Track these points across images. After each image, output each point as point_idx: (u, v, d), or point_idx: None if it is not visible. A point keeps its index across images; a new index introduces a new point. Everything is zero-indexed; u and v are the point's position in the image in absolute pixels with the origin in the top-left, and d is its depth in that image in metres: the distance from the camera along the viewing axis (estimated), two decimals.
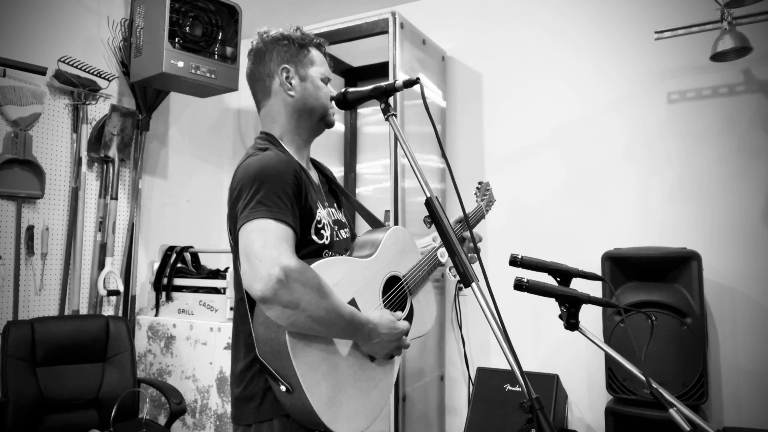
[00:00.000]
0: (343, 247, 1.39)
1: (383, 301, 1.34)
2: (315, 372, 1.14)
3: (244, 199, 1.17)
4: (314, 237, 1.29)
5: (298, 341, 1.12)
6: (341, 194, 1.55)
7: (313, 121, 1.40)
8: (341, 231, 1.41)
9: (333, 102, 1.40)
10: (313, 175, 1.44)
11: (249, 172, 1.21)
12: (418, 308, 1.44)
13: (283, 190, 1.19)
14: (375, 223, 1.57)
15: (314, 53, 1.42)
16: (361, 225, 1.63)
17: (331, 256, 1.30)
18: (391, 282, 1.39)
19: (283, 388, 1.13)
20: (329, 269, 1.19)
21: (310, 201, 1.29)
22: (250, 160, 1.26)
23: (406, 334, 1.31)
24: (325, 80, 1.41)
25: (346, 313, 1.17)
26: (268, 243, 1.10)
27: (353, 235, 1.51)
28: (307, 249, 1.25)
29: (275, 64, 1.37)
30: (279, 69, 1.37)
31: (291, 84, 1.37)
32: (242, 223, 1.14)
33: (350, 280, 1.25)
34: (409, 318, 1.41)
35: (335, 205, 1.48)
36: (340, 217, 1.45)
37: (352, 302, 1.24)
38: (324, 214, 1.34)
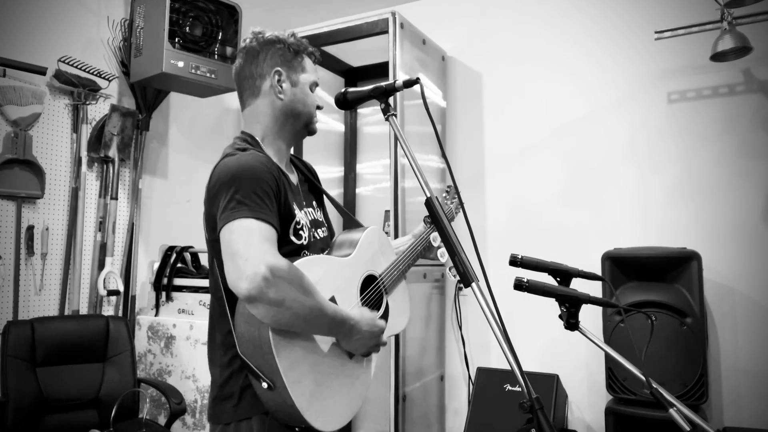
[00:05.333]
0: (320, 247, 1.41)
1: (361, 300, 1.36)
2: (297, 368, 1.15)
3: (223, 199, 1.18)
4: (293, 238, 1.30)
5: (281, 338, 1.13)
6: (321, 192, 1.57)
7: (298, 126, 1.42)
8: (318, 230, 1.43)
9: (318, 111, 1.43)
10: (293, 177, 1.45)
11: (227, 172, 1.22)
12: (393, 306, 1.47)
13: (262, 189, 1.19)
14: (352, 222, 1.58)
15: (306, 61, 1.43)
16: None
17: (308, 255, 1.32)
18: (368, 281, 1.41)
19: (264, 384, 1.13)
20: (310, 267, 1.20)
21: (288, 201, 1.30)
22: (228, 159, 1.26)
23: (383, 332, 1.33)
24: (313, 89, 1.43)
25: (329, 310, 1.19)
26: (252, 242, 1.11)
27: (331, 234, 1.52)
28: (286, 249, 1.26)
29: (268, 65, 1.38)
30: (272, 71, 1.37)
31: (282, 87, 1.37)
32: (224, 223, 1.15)
33: (330, 279, 1.27)
34: (385, 316, 1.44)
35: (314, 203, 1.49)
36: (318, 216, 1.47)
37: (332, 300, 1.25)
38: (302, 215, 1.36)
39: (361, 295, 1.37)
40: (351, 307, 1.31)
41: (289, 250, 1.27)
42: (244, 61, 1.41)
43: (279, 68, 1.38)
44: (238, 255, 1.09)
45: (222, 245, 1.14)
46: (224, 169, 1.24)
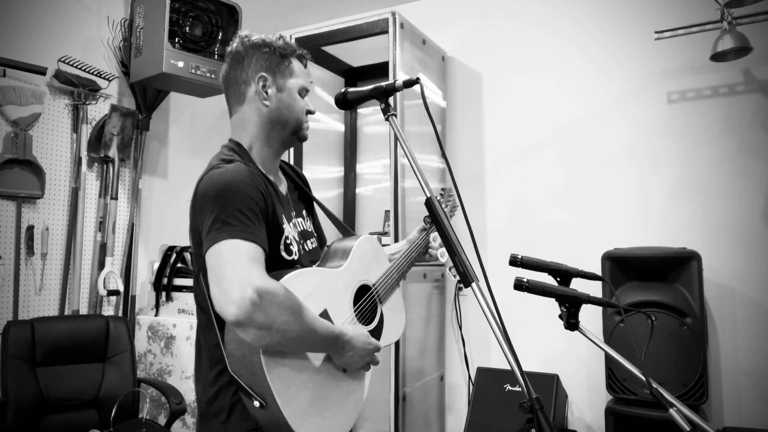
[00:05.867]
0: (310, 259, 1.37)
1: (354, 311, 1.33)
2: (289, 387, 1.13)
3: (208, 217, 1.13)
4: (284, 254, 1.26)
5: (270, 358, 1.11)
6: (311, 200, 1.52)
7: (286, 133, 1.36)
8: (307, 242, 1.39)
9: (308, 116, 1.38)
10: (282, 186, 1.40)
11: (212, 188, 1.17)
12: (388, 316, 1.44)
13: (248, 206, 1.14)
14: (344, 231, 1.54)
15: (295, 64, 1.37)
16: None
17: (299, 269, 1.28)
18: (362, 291, 1.38)
19: (256, 403, 1.11)
20: (301, 282, 1.18)
21: (277, 216, 1.26)
22: (213, 174, 1.20)
23: (378, 350, 1.31)
24: (303, 93, 1.37)
25: (321, 329, 1.15)
26: (239, 264, 1.06)
27: (321, 243, 1.49)
28: (277, 266, 1.22)
29: (253, 70, 1.33)
30: (256, 76, 1.32)
31: (267, 93, 1.32)
32: (209, 244, 1.10)
33: (322, 292, 1.24)
34: (380, 326, 1.41)
35: (304, 212, 1.45)
36: (307, 226, 1.43)
37: (324, 313, 1.23)
38: (290, 228, 1.31)
39: (354, 306, 1.34)
40: (344, 319, 1.28)
41: (280, 266, 1.24)
42: (230, 66, 1.36)
43: (264, 73, 1.32)
44: (225, 278, 1.04)
45: (208, 268, 1.09)
46: (209, 184, 1.18)
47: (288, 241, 1.28)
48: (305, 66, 1.42)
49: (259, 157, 1.33)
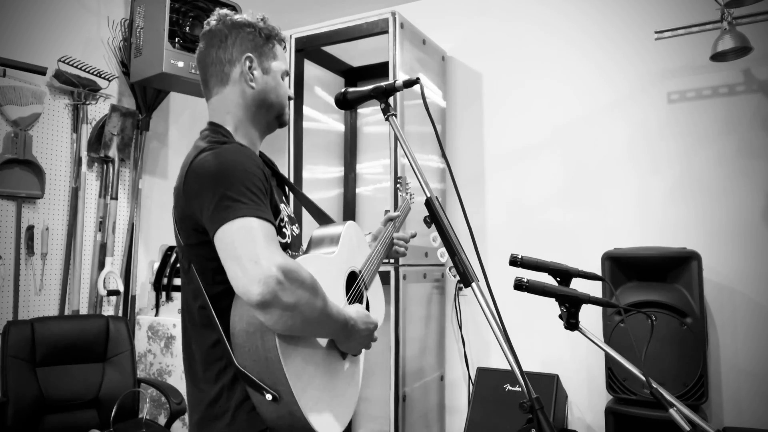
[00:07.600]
0: (297, 245, 1.35)
1: (347, 298, 1.33)
2: (302, 376, 1.11)
3: (210, 198, 1.07)
4: (278, 236, 1.22)
5: (287, 345, 1.08)
6: (288, 187, 1.50)
7: (270, 117, 1.33)
8: (293, 227, 1.36)
9: (289, 101, 1.36)
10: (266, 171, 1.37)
11: (211, 168, 1.10)
12: (372, 302, 1.45)
13: (254, 184, 1.09)
14: (323, 218, 1.53)
15: (278, 47, 1.34)
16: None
17: (291, 254, 1.26)
18: (350, 277, 1.38)
19: (269, 396, 1.06)
20: (308, 266, 1.14)
21: (274, 197, 1.23)
22: (208, 155, 1.13)
23: (377, 327, 1.29)
24: (284, 77, 1.35)
25: (334, 312, 1.13)
26: (258, 243, 1.01)
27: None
28: None
29: (238, 51, 1.27)
30: (242, 57, 1.27)
31: (253, 75, 1.27)
32: (219, 224, 1.04)
33: (321, 278, 1.21)
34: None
35: (284, 199, 1.43)
36: (290, 212, 1.40)
37: None
38: (283, 210, 1.29)
39: (346, 293, 1.34)
40: (341, 306, 1.29)
41: None
42: (208, 45, 1.29)
43: (250, 54, 1.27)
44: (246, 258, 0.99)
45: (221, 249, 1.04)
46: (206, 165, 1.12)
47: (282, 223, 1.26)
48: (285, 50, 1.40)
49: (243, 141, 1.29)
